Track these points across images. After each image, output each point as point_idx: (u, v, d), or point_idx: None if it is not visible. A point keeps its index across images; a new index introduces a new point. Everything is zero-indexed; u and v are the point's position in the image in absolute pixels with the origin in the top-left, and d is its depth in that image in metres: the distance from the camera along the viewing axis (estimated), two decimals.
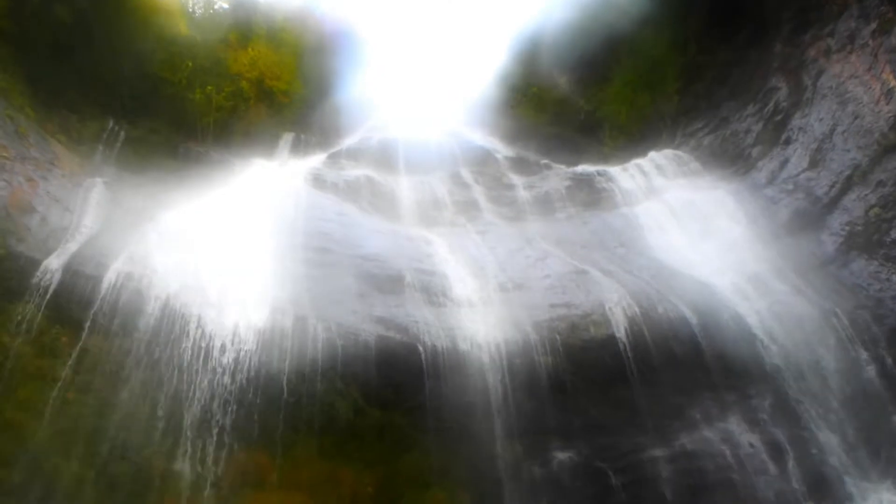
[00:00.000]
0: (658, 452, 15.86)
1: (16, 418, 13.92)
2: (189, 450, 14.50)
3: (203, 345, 15.57)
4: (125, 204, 19.54)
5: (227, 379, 15.25)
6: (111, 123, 22.12)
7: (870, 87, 19.57)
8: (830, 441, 15.77)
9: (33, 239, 16.86)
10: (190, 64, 25.02)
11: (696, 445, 15.84)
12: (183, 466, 14.36)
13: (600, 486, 15.59)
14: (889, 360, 16.62)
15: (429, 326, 17.23)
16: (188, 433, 14.64)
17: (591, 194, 23.40)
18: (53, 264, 16.20)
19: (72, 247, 17.10)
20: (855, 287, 18.01)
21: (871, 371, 16.52)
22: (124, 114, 22.48)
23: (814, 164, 20.44)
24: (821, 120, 20.75)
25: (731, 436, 15.96)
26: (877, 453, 15.60)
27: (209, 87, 25.40)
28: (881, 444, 15.74)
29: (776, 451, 15.66)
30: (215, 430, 14.74)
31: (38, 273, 15.94)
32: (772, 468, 15.40)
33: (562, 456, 15.98)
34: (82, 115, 21.39)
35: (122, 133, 22.17)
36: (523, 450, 15.89)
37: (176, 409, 14.86)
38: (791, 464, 15.47)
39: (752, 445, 15.77)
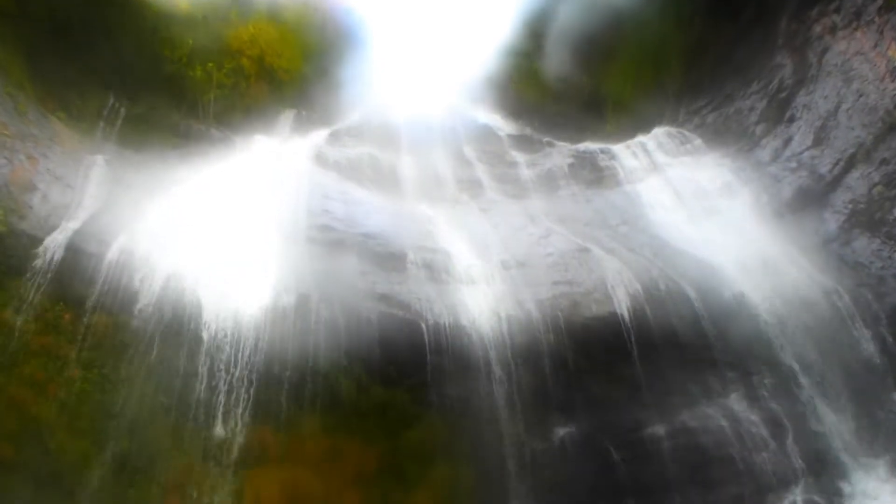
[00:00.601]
0: (659, 429, 15.97)
1: (20, 395, 13.97)
2: (193, 427, 14.59)
3: (206, 322, 15.64)
4: (126, 181, 19.46)
5: (230, 356, 15.33)
6: (111, 100, 21.94)
7: (875, 65, 19.47)
8: (830, 418, 15.88)
9: (35, 216, 16.83)
10: (190, 41, 24.82)
11: (696, 422, 15.95)
12: (187, 443, 14.46)
13: (601, 461, 15.73)
14: (890, 338, 16.67)
15: (431, 304, 17.27)
16: (192, 410, 14.73)
17: (593, 172, 23.32)
18: (55, 242, 16.18)
19: (73, 224, 17.05)
20: (857, 265, 18.02)
21: (871, 349, 16.59)
22: (125, 91, 22.29)
23: (818, 141, 20.37)
24: (825, 97, 20.65)
25: (731, 412, 16.06)
26: (876, 430, 15.72)
27: (210, 65, 25.21)
28: (880, 421, 15.85)
29: (776, 428, 15.78)
30: (219, 407, 14.83)
31: (41, 251, 15.93)
32: (771, 444, 15.53)
33: (563, 432, 16.11)
34: (82, 92, 21.22)
35: (123, 110, 22.01)
36: (525, 426, 15.99)
37: (180, 387, 14.94)
38: (790, 440, 15.60)
39: (751, 422, 15.89)
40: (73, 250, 16.06)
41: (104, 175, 19.33)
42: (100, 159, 19.82)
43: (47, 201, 17.44)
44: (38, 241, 16.17)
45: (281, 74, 27.18)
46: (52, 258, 15.77)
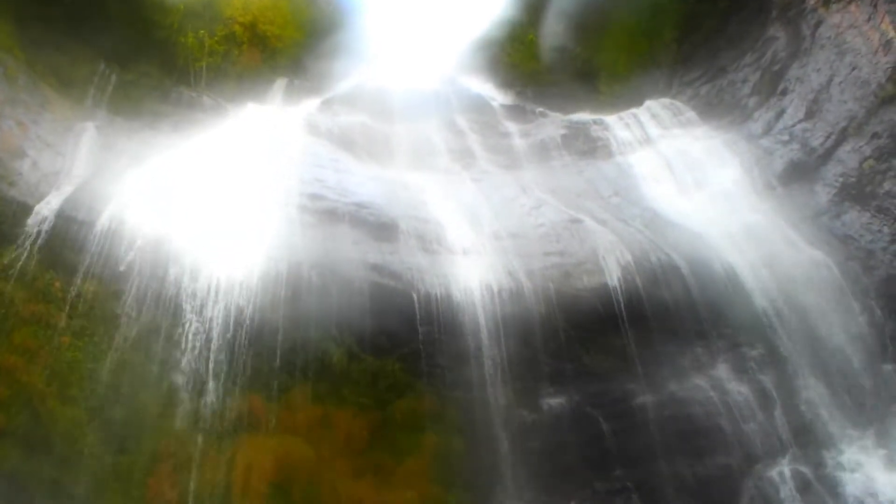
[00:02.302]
0: (648, 399, 16.10)
1: (10, 362, 14.02)
2: (184, 394, 14.64)
3: (197, 289, 15.63)
4: (117, 148, 19.39)
5: (221, 324, 15.34)
6: (102, 66, 21.74)
7: (868, 38, 19.39)
8: (817, 389, 16.01)
9: (25, 184, 16.79)
10: (182, 7, 24.57)
11: (685, 392, 16.07)
12: (178, 410, 14.52)
13: (591, 431, 15.86)
14: (878, 311, 16.80)
15: (423, 274, 17.30)
16: (183, 378, 14.78)
17: (586, 143, 23.27)
18: (46, 209, 16.17)
19: (64, 192, 17.03)
20: (846, 238, 18.08)
21: (860, 321, 16.71)
22: (116, 57, 22.05)
23: (810, 114, 20.35)
24: (818, 70, 20.58)
25: (720, 383, 16.18)
26: (862, 402, 15.87)
27: (201, 31, 24.99)
28: (867, 393, 16.00)
29: (764, 399, 15.93)
30: (210, 375, 14.87)
31: (31, 218, 15.95)
32: (759, 415, 15.68)
33: (553, 402, 16.22)
34: (73, 58, 20.95)
35: (114, 76, 21.81)
36: (515, 395, 16.10)
37: (171, 354, 15.01)
38: (778, 411, 15.76)
39: (740, 393, 16.01)
40: (64, 218, 16.03)
41: (95, 142, 19.26)
42: (90, 126, 19.75)
43: (37, 168, 17.37)
44: (28, 208, 16.16)
45: (273, 42, 26.98)
46: (42, 226, 15.73)
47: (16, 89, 18.40)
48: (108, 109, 21.02)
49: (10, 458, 13.27)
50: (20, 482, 13.15)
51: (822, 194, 19.10)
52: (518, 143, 23.62)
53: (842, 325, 16.68)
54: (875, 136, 18.49)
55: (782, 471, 14.98)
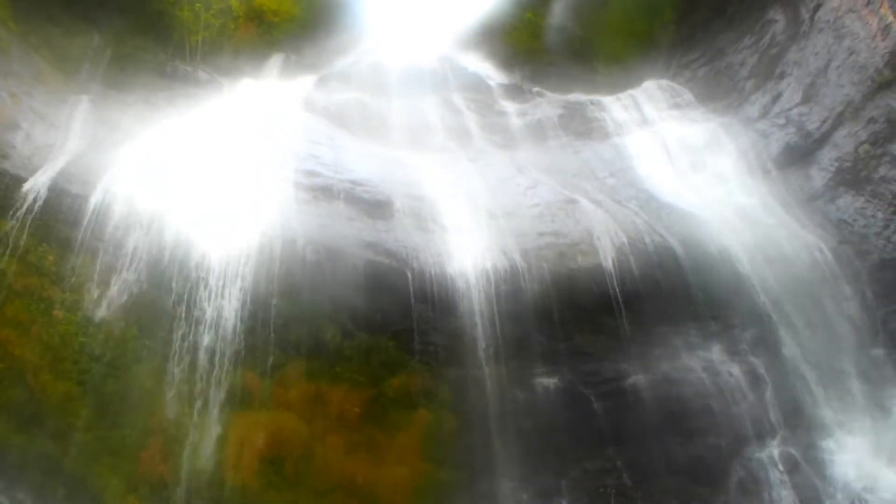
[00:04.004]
0: (640, 379, 16.14)
1: (3, 335, 14.05)
2: (177, 369, 14.65)
3: (191, 265, 15.60)
4: (111, 122, 19.27)
5: (215, 300, 15.34)
6: (97, 39, 21.62)
7: (867, 23, 19.33)
8: (808, 373, 16.09)
9: (18, 156, 16.68)
10: None
11: (677, 373, 16.11)
12: (171, 385, 14.53)
13: (583, 410, 15.94)
14: (870, 295, 16.89)
15: (417, 252, 17.29)
16: (176, 353, 14.78)
17: (583, 123, 23.21)
18: (39, 182, 16.04)
19: (57, 165, 16.89)
20: (840, 222, 18.14)
21: (852, 305, 16.80)
22: (111, 30, 21.90)
23: (807, 98, 20.33)
24: (816, 54, 20.53)
25: (711, 365, 16.24)
26: (852, 386, 15.96)
27: (197, 5, 24.81)
28: (857, 376, 16.09)
29: (755, 381, 16.00)
30: (203, 350, 14.88)
31: (24, 191, 15.81)
32: (750, 397, 15.75)
33: (546, 381, 16.27)
34: (67, 30, 20.79)
35: (109, 50, 21.69)
36: (508, 374, 16.14)
37: (164, 329, 14.98)
38: (768, 393, 15.83)
39: (731, 374, 16.08)
40: (57, 191, 15.93)
41: (89, 115, 19.15)
42: (85, 99, 19.64)
43: (31, 141, 17.26)
44: (21, 181, 16.04)
45: (270, 16, 26.77)
46: (35, 199, 15.65)
47: (8, 60, 18.26)
48: (102, 83, 20.89)
49: (2, 430, 13.30)
50: (12, 455, 13.18)
51: (817, 178, 19.12)
52: (515, 122, 23.53)
53: (834, 309, 16.76)
54: (871, 120, 18.48)
55: (771, 452, 15.08)
